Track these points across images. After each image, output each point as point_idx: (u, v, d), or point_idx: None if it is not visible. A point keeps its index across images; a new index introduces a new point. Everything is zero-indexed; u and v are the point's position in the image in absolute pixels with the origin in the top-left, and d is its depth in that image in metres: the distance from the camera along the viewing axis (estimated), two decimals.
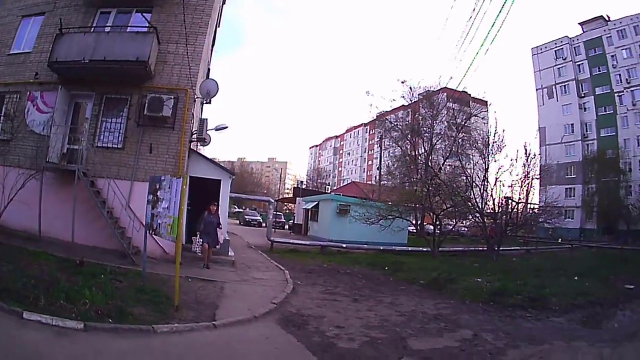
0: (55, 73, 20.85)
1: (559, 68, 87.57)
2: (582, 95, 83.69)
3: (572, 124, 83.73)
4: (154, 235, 14.11)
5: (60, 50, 20.13)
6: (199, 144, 25.77)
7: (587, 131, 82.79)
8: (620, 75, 78.84)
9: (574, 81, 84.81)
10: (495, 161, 30.94)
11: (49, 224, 18.84)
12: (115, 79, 20.75)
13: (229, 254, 22.54)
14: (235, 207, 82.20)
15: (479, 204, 30.51)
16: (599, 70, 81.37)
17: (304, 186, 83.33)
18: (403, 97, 49.00)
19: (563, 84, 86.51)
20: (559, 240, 48.73)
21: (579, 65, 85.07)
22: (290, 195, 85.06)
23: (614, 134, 78.25)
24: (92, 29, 21.26)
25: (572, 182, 79.02)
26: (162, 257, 19.33)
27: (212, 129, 25.32)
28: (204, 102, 23.83)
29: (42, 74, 21.24)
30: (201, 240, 19.94)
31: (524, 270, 23.27)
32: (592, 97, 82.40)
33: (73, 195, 18.29)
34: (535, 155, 31.81)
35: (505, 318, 13.89)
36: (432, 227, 35.52)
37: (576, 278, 19.94)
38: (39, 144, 19.86)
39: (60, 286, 10.85)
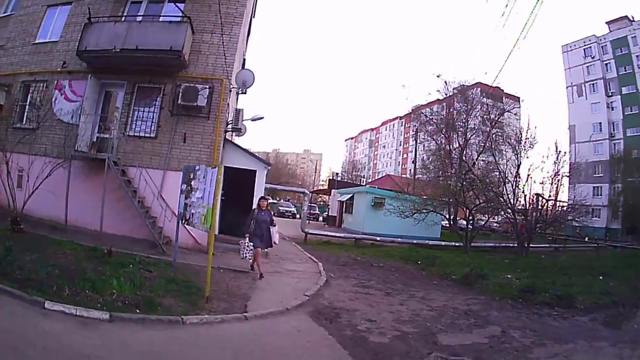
0: (84, 62, 20.86)
1: (587, 66, 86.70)
2: (610, 94, 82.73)
3: (600, 123, 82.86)
4: (186, 225, 14.20)
5: (90, 39, 20.09)
6: (234, 134, 25.84)
7: (614, 130, 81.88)
8: None
9: (602, 80, 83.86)
10: (527, 157, 31.19)
11: (76, 213, 18.97)
12: (148, 68, 20.72)
13: None
14: (270, 198, 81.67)
15: (511, 200, 30.40)
16: (625, 70, 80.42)
17: (339, 178, 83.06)
18: (438, 91, 49.42)
19: (592, 83, 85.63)
20: (586, 239, 48.25)
21: (606, 64, 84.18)
22: (325, 187, 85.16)
23: (639, 134, 77.34)
24: (123, 18, 21.24)
25: (599, 181, 78.00)
26: (194, 247, 19.40)
27: (247, 119, 25.81)
28: (240, 92, 24.43)
29: (71, 62, 21.30)
30: (251, 243, 15.87)
31: (552, 268, 23.21)
32: (619, 96, 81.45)
33: (102, 184, 18.35)
34: (565, 153, 31.98)
35: (532, 316, 13.87)
36: (464, 222, 35.58)
37: (601, 277, 19.86)
38: (68, 132, 20.01)
39: (86, 276, 10.82)
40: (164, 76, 20.96)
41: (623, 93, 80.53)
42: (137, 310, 9.69)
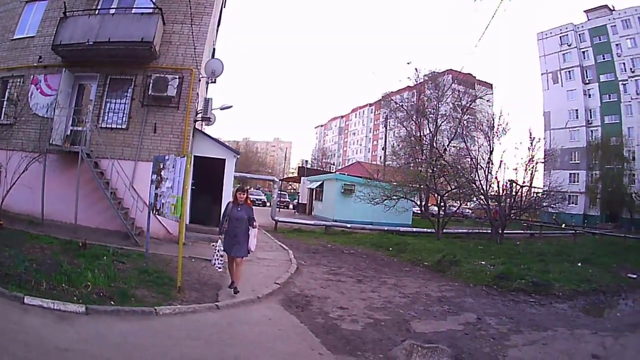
0: (59, 56, 20.81)
1: (564, 54, 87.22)
2: (587, 81, 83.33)
3: (577, 110, 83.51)
4: (157, 216, 14.18)
5: (64, 33, 20.10)
6: (203, 124, 25.80)
7: (591, 117, 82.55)
8: (624, 64, 78.69)
9: (579, 67, 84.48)
10: (500, 144, 31.45)
11: (52, 207, 18.95)
12: (120, 60, 20.70)
13: None
14: (249, 188, 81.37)
15: (484, 186, 30.57)
16: (604, 58, 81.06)
17: (308, 166, 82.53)
18: (409, 78, 49.84)
19: (568, 70, 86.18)
20: (563, 226, 48.60)
21: (583, 52, 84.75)
22: (295, 175, 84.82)
23: (617, 121, 78.20)
24: (97, 11, 21.17)
25: (576, 168, 78.82)
26: (165, 237, 19.41)
27: (216, 108, 25.54)
28: (209, 81, 24.33)
29: (46, 57, 21.25)
30: (221, 248, 12.55)
31: (527, 254, 23.54)
32: (597, 84, 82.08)
33: (76, 177, 18.39)
34: (539, 139, 32.22)
35: (509, 302, 14.06)
36: (436, 208, 35.63)
37: (580, 264, 20.14)
38: (43, 126, 20.00)
39: (62, 269, 10.96)
40: (136, 67, 21.01)
41: (601, 80, 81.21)
42: (112, 302, 9.82)
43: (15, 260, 10.69)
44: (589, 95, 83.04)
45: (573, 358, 8.91)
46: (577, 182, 76.74)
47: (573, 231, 43.57)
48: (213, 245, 13.21)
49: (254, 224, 12.35)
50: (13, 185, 17.12)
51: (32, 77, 21.32)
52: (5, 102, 22.00)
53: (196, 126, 22.42)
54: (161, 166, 13.41)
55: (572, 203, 69.79)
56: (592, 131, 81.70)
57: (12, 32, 22.74)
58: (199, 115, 22.60)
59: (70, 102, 20.98)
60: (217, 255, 12.42)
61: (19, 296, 8.93)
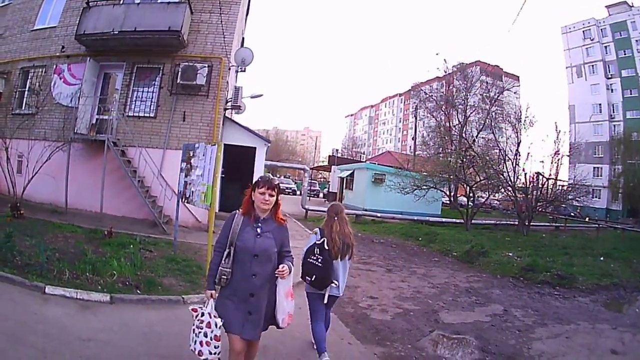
0: (83, 45, 20.81)
1: (587, 48, 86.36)
2: (610, 76, 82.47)
3: (600, 104, 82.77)
4: (186, 204, 14.08)
5: (88, 23, 20.06)
6: (233, 112, 25.75)
7: (614, 112, 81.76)
8: None
9: (602, 62, 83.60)
10: (527, 136, 31.26)
11: (76, 195, 19.01)
12: (147, 49, 20.69)
13: None
14: (270, 174, 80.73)
15: (511, 178, 30.47)
16: (625, 54, 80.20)
17: (339, 155, 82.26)
18: (438, 68, 49.49)
19: (591, 64, 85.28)
20: (587, 219, 48.22)
21: (605, 47, 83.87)
22: (325, 163, 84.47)
23: (639, 117, 77.10)
24: (121, 1, 21.16)
25: (599, 162, 77.91)
26: (194, 225, 19.51)
27: (247, 97, 25.57)
28: (239, 70, 24.12)
29: (69, 47, 21.27)
30: (215, 318, 5.46)
31: (553, 247, 23.40)
32: (619, 79, 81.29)
33: (102, 166, 18.34)
34: (565, 132, 32.11)
35: (534, 295, 13.98)
36: (465, 199, 35.71)
37: (602, 259, 19.91)
38: (67, 115, 20.04)
39: (86, 258, 10.80)
40: (163, 56, 20.95)
41: (622, 76, 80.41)
42: (138, 291, 9.73)
43: (37, 249, 10.53)
44: (612, 90, 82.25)
45: (594, 352, 8.87)
46: (601, 176, 75.67)
47: (596, 225, 43.22)
48: (193, 312, 5.74)
49: (290, 254, 5.83)
50: (35, 175, 16.86)
51: (54, 66, 21.32)
52: (26, 93, 22.08)
53: (226, 114, 22.38)
54: (191, 154, 13.31)
55: (596, 197, 69.25)
56: (614, 126, 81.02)
57: (32, 22, 22.83)
58: (229, 104, 22.47)
59: (95, 91, 20.97)
60: (202, 335, 5.58)
61: (40, 286, 8.85)
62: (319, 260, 7.29)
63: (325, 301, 7.62)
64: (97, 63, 20.86)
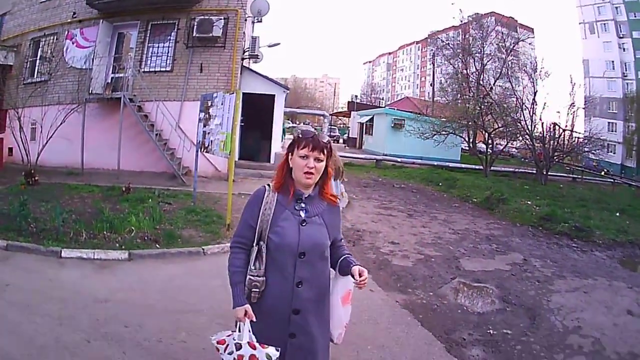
0: (95, 9, 20.74)
1: (598, 7, 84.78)
2: (621, 36, 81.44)
3: (613, 61, 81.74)
4: (205, 154, 14.13)
5: None
6: (251, 62, 25.76)
7: (626, 70, 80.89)
8: None
9: (613, 22, 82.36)
10: (543, 86, 31.93)
11: (92, 155, 19.11)
12: (161, 6, 20.68)
13: None
14: (290, 122, 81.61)
15: (529, 126, 30.84)
16: (635, 16, 79.22)
17: (358, 101, 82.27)
18: (453, 17, 49.99)
19: (603, 22, 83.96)
20: (602, 173, 48.16)
21: (616, 8, 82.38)
22: (345, 110, 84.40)
23: None
24: None
25: (613, 117, 76.92)
26: (214, 175, 19.68)
27: (264, 46, 25.54)
28: (255, 20, 24.08)
29: (81, 12, 21.18)
30: (252, 341, 3.28)
31: (570, 198, 23.67)
32: (630, 39, 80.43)
33: (119, 123, 18.41)
34: (580, 85, 32.92)
35: (553, 245, 13.91)
36: (484, 145, 35.85)
37: (617, 214, 19.91)
38: (81, 78, 19.81)
39: (103, 217, 10.73)
40: (178, 12, 20.91)
41: (634, 37, 79.73)
42: (157, 246, 9.75)
43: (52, 213, 10.51)
44: (624, 49, 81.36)
45: (610, 311, 8.71)
46: (615, 131, 75.02)
47: (612, 180, 43.29)
48: (219, 345, 3.45)
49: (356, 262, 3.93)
50: (50, 139, 16.85)
51: (66, 32, 21.23)
52: (38, 61, 22.01)
53: (244, 64, 22.41)
54: (209, 104, 13.29)
55: (611, 152, 69.00)
56: (627, 84, 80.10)
57: None
58: (246, 54, 22.55)
59: (109, 51, 21.07)
60: None
61: (56, 250, 8.81)
62: None
63: None
64: (110, 24, 20.86)
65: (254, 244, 3.55)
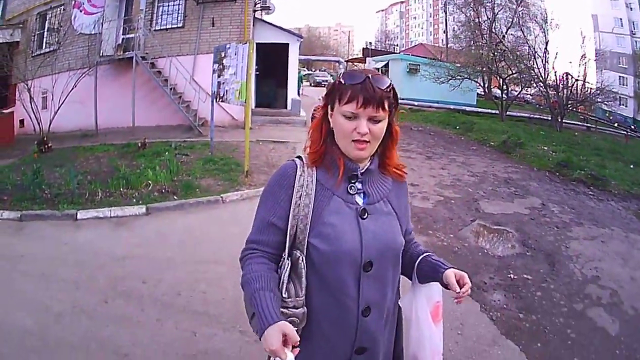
0: None
1: None
2: None
3: (621, 19, 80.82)
4: (221, 103, 14.30)
5: None
6: (263, 13, 25.69)
7: (634, 28, 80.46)
8: None
9: None
10: (554, 37, 32.02)
11: (106, 116, 19.21)
12: None
13: (301, 113, 22.67)
14: (305, 69, 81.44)
15: (542, 74, 30.80)
16: None
17: (372, 47, 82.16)
18: None
19: None
20: (615, 125, 48.06)
21: None
22: (360, 56, 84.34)
23: None
24: None
25: (624, 72, 75.96)
26: (231, 124, 19.74)
27: None
28: None
29: None
30: None
31: (585, 146, 23.64)
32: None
33: (132, 81, 18.51)
34: (590, 38, 32.52)
35: (569, 192, 13.90)
36: (499, 91, 35.94)
37: (632, 166, 19.78)
38: (90, 43, 19.91)
39: (120, 174, 10.85)
40: None
41: None
42: (175, 197, 9.81)
43: (67, 177, 10.54)
44: (631, 8, 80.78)
45: (627, 263, 8.61)
46: (626, 85, 74.81)
47: (625, 132, 43.05)
48: None
49: (451, 268, 2.27)
50: (62, 105, 16.89)
51: (73, 2, 20.99)
52: (45, 34, 21.92)
53: (256, 16, 22.48)
54: (222, 55, 13.29)
55: (623, 105, 68.95)
56: (636, 42, 79.75)
57: None
58: (258, 5, 22.68)
59: (119, 14, 21.08)
60: None
61: (71, 213, 8.82)
62: None
63: None
64: None
65: (285, 256, 2.15)
